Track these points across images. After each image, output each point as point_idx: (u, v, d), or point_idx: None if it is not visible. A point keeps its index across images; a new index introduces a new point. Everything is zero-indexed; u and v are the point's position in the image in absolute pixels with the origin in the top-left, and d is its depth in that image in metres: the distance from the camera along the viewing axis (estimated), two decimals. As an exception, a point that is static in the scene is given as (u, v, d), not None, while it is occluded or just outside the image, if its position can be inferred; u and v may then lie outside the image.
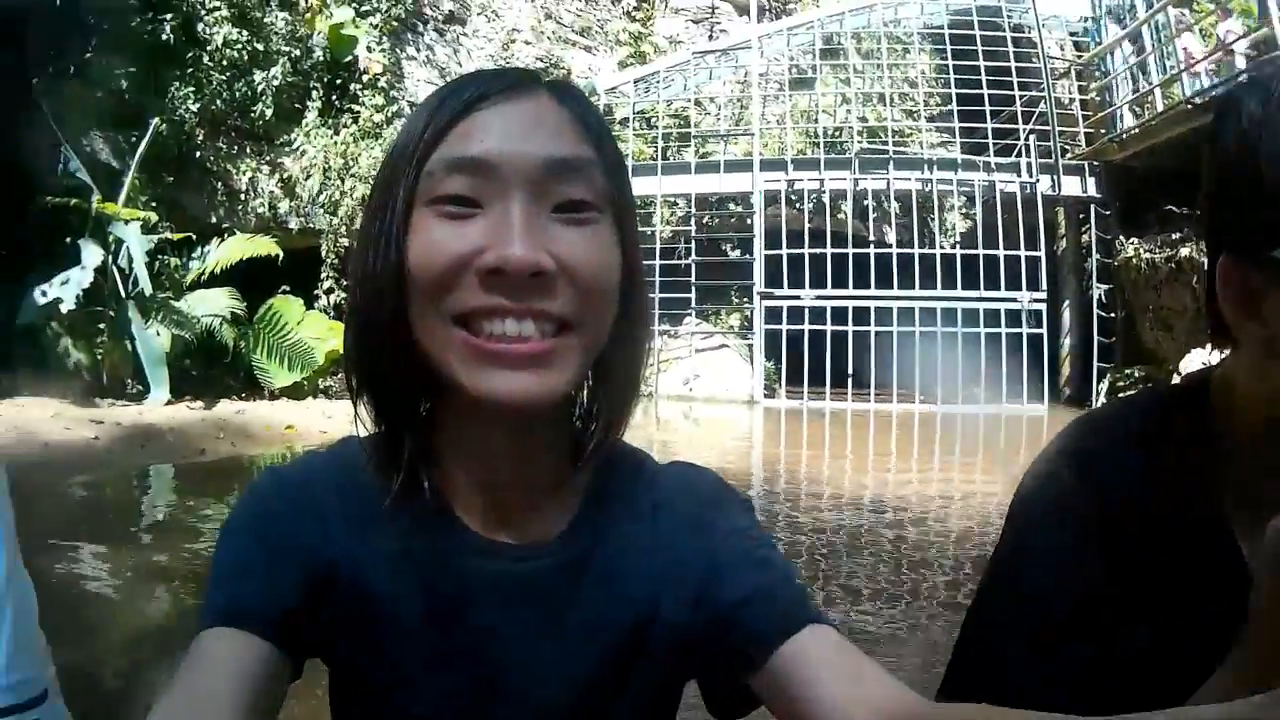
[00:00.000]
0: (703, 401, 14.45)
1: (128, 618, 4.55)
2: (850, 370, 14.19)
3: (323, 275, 13.01)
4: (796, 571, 1.08)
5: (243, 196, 12.75)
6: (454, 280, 0.90)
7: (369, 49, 13.57)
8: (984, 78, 15.76)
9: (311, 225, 13.11)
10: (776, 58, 17.47)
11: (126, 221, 10.22)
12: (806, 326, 14.67)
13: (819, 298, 14.79)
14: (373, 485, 1.02)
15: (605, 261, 0.95)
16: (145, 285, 10.19)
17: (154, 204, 11.14)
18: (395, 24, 14.45)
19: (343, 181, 13.12)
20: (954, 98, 16.36)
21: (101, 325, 10.33)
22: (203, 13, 12.23)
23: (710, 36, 18.64)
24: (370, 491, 1.02)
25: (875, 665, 0.95)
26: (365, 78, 13.57)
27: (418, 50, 15.19)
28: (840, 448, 11.28)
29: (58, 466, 7.72)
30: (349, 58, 13.44)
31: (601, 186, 0.96)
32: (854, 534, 6.98)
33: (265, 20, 12.90)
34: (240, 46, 12.39)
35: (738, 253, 16.22)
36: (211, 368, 11.57)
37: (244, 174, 12.73)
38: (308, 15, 13.25)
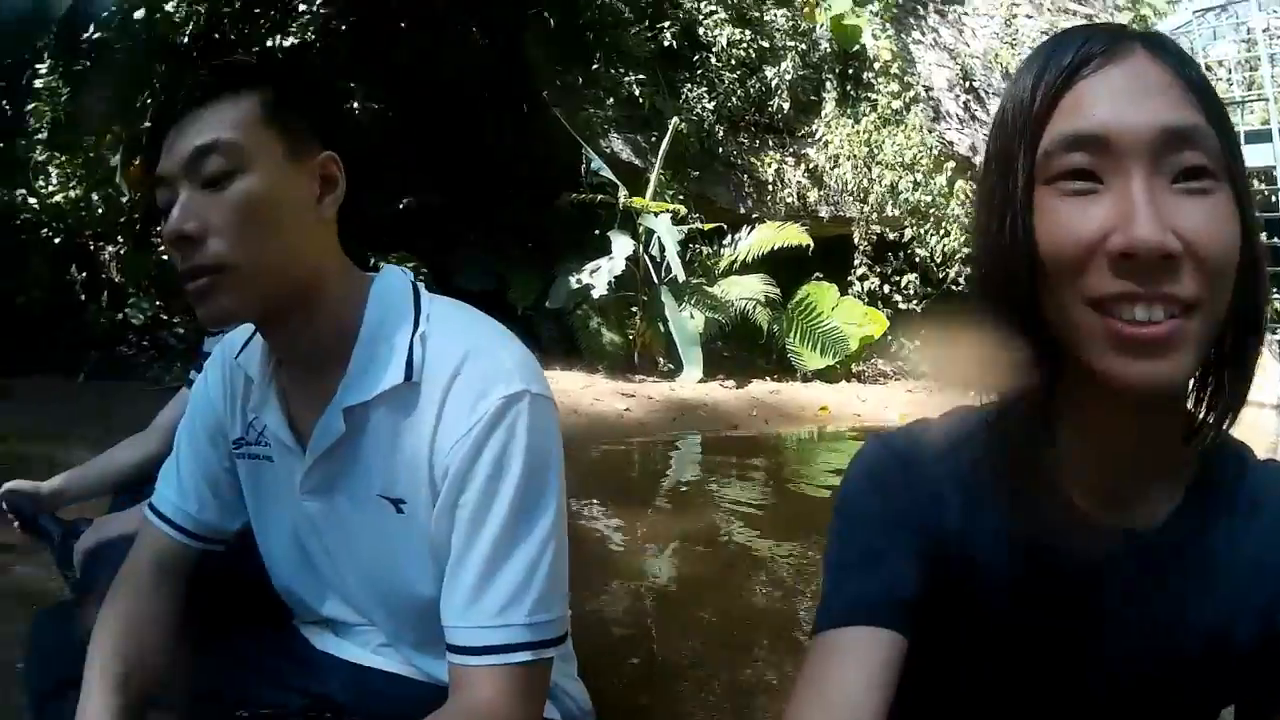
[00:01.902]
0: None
1: (630, 576, 4.23)
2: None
3: (855, 262, 12.12)
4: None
5: (770, 188, 12.15)
6: (1085, 264, 0.85)
7: (874, 36, 12.60)
8: None
9: (841, 214, 12.24)
10: (1275, 10, 14.44)
11: (655, 213, 10.09)
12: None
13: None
14: (984, 457, 0.99)
15: (1228, 236, 0.85)
16: (678, 271, 9.95)
17: (681, 198, 10.91)
18: (895, 9, 13.32)
19: (869, 170, 12.15)
20: None
21: (634, 309, 10.32)
22: (701, 17, 11.97)
23: (1208, -7, 15.78)
24: (982, 463, 0.99)
25: None
26: (876, 65, 12.59)
27: (923, 34, 13.90)
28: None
29: (587, 433, 7.49)
30: (855, 47, 12.55)
31: (1216, 150, 0.86)
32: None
33: (765, 19, 12.41)
34: (745, 46, 11.95)
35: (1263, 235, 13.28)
36: (744, 350, 11.16)
37: (769, 166, 12.17)
38: (806, 9, 12.57)
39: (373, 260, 8.90)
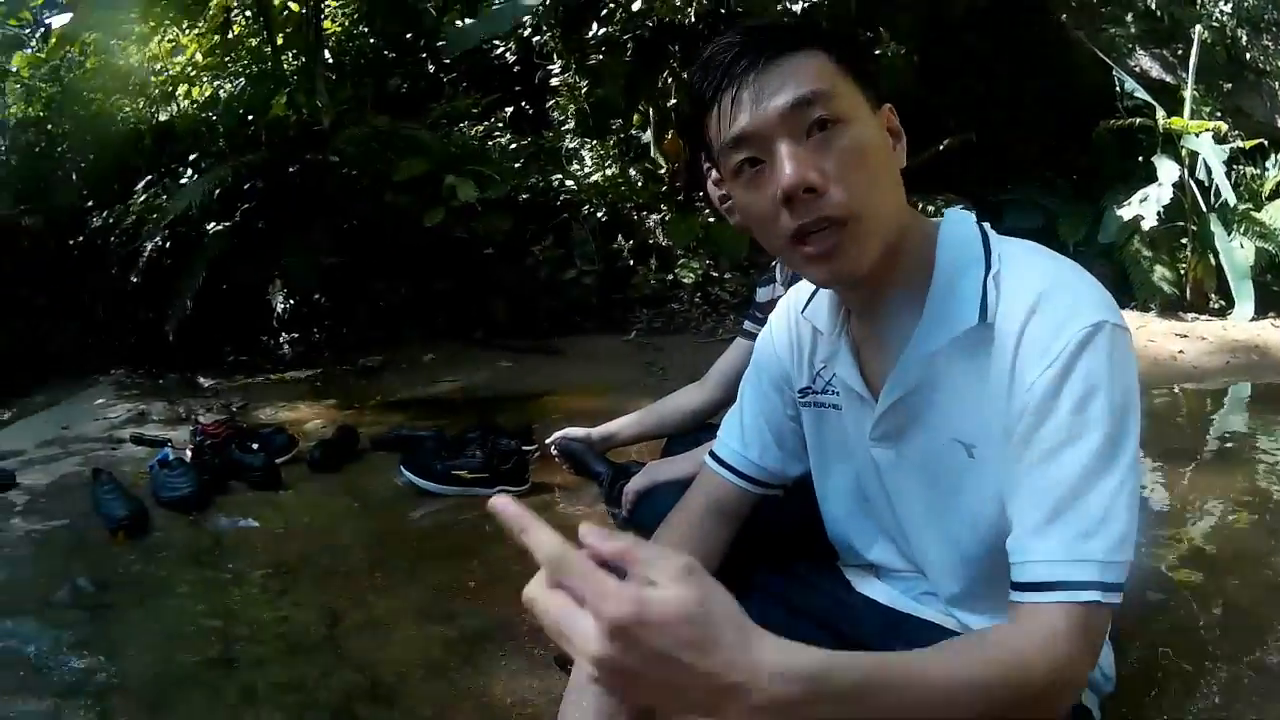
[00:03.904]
0: None
1: (1163, 535, 3.72)
2: None
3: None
4: None
5: (1303, 100, 10.71)
6: None
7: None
8: None
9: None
10: None
11: (1196, 134, 8.92)
12: None
13: None
14: None
15: None
16: (1228, 195, 8.84)
17: (1218, 114, 9.64)
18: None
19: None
20: None
21: (1183, 240, 9.22)
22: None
23: None
24: None
25: None
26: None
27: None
28: None
29: (1141, 378, 6.57)
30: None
31: None
32: None
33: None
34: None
35: None
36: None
37: (1299, 76, 10.70)
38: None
39: (919, 205, 8.59)
